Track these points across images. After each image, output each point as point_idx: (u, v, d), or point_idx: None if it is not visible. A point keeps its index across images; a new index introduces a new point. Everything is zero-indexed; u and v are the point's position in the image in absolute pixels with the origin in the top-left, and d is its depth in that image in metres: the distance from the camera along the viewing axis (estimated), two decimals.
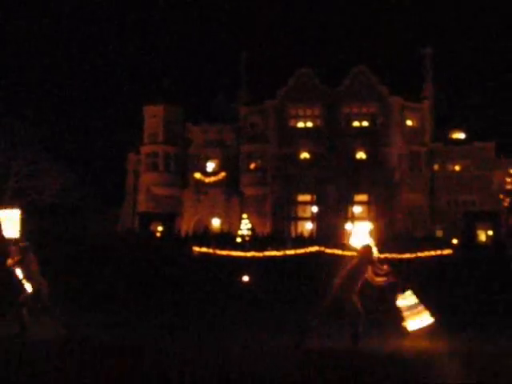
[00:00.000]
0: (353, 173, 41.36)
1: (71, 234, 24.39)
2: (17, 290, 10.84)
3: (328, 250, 26.79)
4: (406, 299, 9.95)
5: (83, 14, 79.87)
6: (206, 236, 36.37)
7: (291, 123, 44.16)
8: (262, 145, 43.99)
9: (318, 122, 43.77)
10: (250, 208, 42.32)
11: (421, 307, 9.93)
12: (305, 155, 43.35)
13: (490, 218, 35.64)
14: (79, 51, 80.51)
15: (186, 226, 43.32)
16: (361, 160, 42.46)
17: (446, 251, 27.24)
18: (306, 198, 43.15)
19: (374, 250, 10.22)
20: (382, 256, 11.11)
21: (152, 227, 37.67)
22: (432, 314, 10.05)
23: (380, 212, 41.36)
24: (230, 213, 43.61)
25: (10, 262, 10.71)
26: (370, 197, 41.83)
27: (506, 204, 38.13)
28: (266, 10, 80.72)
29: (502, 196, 38.72)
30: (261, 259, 23.36)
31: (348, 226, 40.90)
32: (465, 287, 16.72)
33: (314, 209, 42.36)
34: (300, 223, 43.11)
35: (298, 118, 44.31)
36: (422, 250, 27.55)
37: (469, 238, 33.35)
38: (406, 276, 10.80)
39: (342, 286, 9.60)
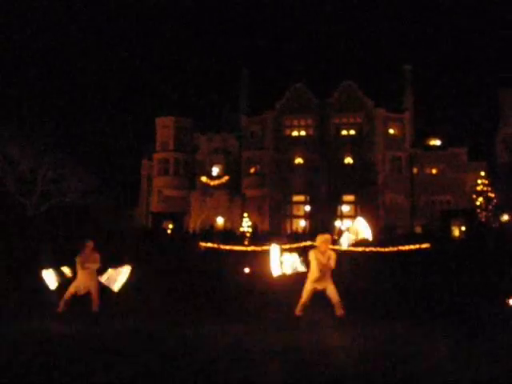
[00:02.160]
0: (341, 176, 41.50)
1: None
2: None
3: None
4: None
5: (103, 36, 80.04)
6: (211, 233, 36.63)
7: (287, 132, 44.30)
8: (261, 151, 44.15)
9: (311, 131, 43.90)
10: (250, 207, 42.45)
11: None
12: (299, 160, 43.48)
13: (463, 216, 35.83)
14: (102, 73, 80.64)
15: (193, 223, 43.45)
16: (348, 164, 42.55)
17: (425, 245, 27.46)
18: (300, 198, 43.21)
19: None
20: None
21: (163, 225, 37.88)
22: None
23: (365, 211, 41.47)
24: (233, 212, 43.71)
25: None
26: (356, 197, 41.92)
27: (477, 203, 38.11)
28: (265, 32, 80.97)
29: (474, 196, 38.74)
30: (260, 253, 23.53)
31: (337, 222, 41.17)
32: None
33: (307, 208, 42.48)
34: (295, 221, 43.24)
35: (292, 127, 44.43)
36: (403, 245, 27.77)
37: (444, 233, 33.58)
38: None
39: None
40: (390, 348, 7.90)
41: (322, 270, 9.64)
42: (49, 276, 10.82)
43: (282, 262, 9.76)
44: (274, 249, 9.92)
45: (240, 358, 7.33)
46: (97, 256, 10.73)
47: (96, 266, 10.66)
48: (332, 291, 9.65)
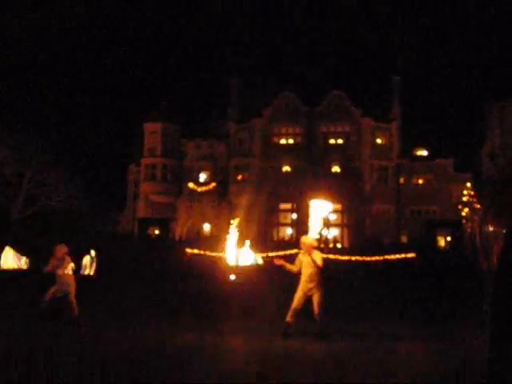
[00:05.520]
0: (329, 184, 41.52)
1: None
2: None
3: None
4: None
5: (96, 42, 79.85)
6: (197, 239, 36.52)
7: (275, 140, 44.32)
8: (249, 158, 44.12)
9: (299, 139, 43.95)
10: (237, 214, 42.32)
11: None
12: (286, 168, 43.49)
13: (448, 226, 36.08)
14: (90, 77, 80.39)
15: (179, 230, 43.26)
16: (336, 173, 42.62)
17: (410, 255, 27.58)
18: (287, 206, 43.14)
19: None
20: None
21: (149, 231, 37.71)
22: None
23: (352, 219, 41.58)
24: (220, 218, 43.55)
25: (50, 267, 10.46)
26: (343, 206, 41.91)
27: (463, 214, 38.34)
28: (254, 40, 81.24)
29: (460, 207, 38.97)
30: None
31: (324, 231, 41.17)
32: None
33: (294, 216, 42.43)
34: (281, 229, 43.18)
35: (281, 135, 44.47)
36: (388, 254, 27.87)
37: (430, 243, 33.77)
38: None
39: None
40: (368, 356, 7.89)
41: (306, 273, 9.43)
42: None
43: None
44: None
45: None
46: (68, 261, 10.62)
47: (63, 271, 10.53)
48: (316, 301, 9.37)
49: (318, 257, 9.53)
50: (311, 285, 9.33)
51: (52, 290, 10.55)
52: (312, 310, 9.38)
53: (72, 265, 10.69)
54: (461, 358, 7.49)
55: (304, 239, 9.72)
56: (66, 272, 10.56)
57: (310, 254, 9.46)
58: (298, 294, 9.37)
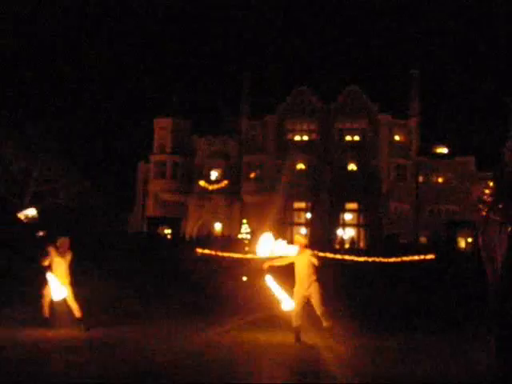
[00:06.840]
0: (344, 183, 41.08)
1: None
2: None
3: (320, 254, 26.23)
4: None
5: (102, 38, 79.96)
6: (208, 239, 36.07)
7: (289, 136, 43.91)
8: (262, 156, 43.67)
9: (314, 135, 43.57)
10: (249, 213, 41.92)
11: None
12: (301, 166, 43.07)
13: (469, 227, 35.23)
14: (99, 73, 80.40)
15: (190, 229, 42.98)
16: (352, 171, 42.24)
17: (429, 256, 26.82)
18: (301, 205, 42.83)
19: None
20: None
21: (159, 230, 37.30)
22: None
23: (369, 219, 41.05)
24: (231, 218, 43.29)
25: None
26: (359, 205, 41.51)
27: (484, 214, 37.51)
28: (268, 34, 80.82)
29: (481, 206, 38.13)
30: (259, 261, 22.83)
31: (339, 231, 40.65)
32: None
33: (309, 215, 42.10)
34: (295, 228, 42.74)
35: (295, 131, 44.08)
36: (406, 255, 27.13)
37: (450, 245, 32.96)
38: None
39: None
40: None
41: (300, 275, 9.31)
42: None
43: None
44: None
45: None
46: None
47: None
48: (315, 301, 9.18)
49: (312, 256, 9.42)
50: (308, 286, 9.23)
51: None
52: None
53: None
54: (469, 360, 7.56)
55: (300, 239, 9.77)
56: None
57: (303, 253, 9.37)
58: (297, 298, 9.27)
